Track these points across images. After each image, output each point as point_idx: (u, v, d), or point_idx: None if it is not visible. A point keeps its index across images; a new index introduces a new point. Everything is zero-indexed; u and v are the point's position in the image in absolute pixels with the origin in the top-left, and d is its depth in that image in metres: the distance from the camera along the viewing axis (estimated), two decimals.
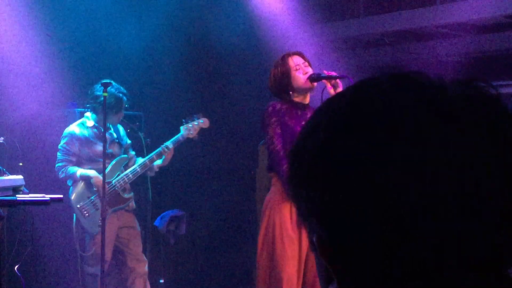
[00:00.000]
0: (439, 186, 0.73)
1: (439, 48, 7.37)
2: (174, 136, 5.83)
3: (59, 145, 5.57)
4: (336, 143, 0.76)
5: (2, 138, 5.62)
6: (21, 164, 5.68)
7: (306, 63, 4.52)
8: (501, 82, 7.01)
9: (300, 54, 4.57)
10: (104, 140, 5.33)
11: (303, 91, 4.49)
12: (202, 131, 5.95)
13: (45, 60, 6.33)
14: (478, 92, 0.77)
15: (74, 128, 5.57)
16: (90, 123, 5.60)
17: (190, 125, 5.84)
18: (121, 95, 5.57)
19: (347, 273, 0.78)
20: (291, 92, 4.48)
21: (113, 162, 5.69)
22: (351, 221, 0.75)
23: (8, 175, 4.91)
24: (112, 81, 5.44)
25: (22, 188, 4.61)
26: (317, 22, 7.40)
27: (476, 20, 6.78)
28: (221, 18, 7.02)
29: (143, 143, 5.94)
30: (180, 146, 5.93)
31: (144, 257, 5.87)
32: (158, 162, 5.81)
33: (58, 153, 5.55)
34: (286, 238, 4.31)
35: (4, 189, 4.47)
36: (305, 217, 0.82)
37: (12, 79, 6.16)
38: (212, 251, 7.69)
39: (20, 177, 4.70)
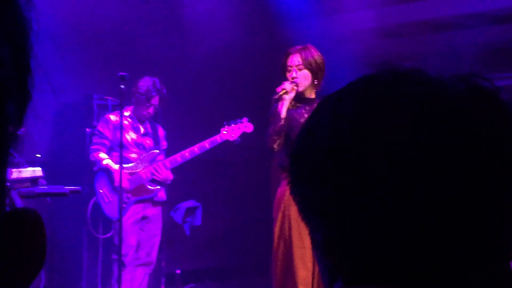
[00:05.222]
0: (443, 186, 0.73)
1: (456, 38, 7.33)
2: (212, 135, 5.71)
3: (95, 129, 5.78)
4: (343, 140, 0.76)
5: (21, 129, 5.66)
6: (39, 155, 5.72)
7: (301, 65, 4.34)
8: None
9: (300, 53, 4.36)
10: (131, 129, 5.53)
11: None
12: (220, 123, 5.89)
13: (64, 52, 6.34)
14: (478, 87, 0.78)
15: (111, 115, 5.78)
16: (127, 112, 5.76)
17: (232, 127, 5.66)
18: (149, 89, 5.66)
19: (354, 271, 0.77)
20: None
21: (145, 154, 5.78)
22: (360, 217, 0.75)
23: (27, 167, 4.95)
24: (126, 74, 5.38)
25: (41, 179, 4.65)
26: (333, 13, 7.38)
27: (493, 11, 6.74)
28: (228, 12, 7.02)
29: None
30: (193, 137, 5.89)
31: (151, 259, 5.82)
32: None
33: (93, 137, 5.76)
34: (304, 230, 4.29)
35: (23, 180, 4.51)
36: (308, 216, 0.81)
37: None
38: (227, 241, 7.71)
39: (39, 168, 4.73)
